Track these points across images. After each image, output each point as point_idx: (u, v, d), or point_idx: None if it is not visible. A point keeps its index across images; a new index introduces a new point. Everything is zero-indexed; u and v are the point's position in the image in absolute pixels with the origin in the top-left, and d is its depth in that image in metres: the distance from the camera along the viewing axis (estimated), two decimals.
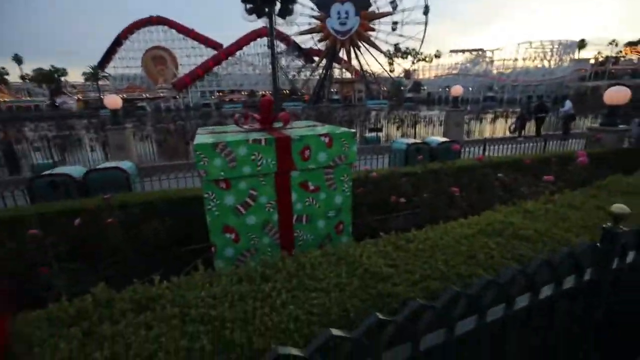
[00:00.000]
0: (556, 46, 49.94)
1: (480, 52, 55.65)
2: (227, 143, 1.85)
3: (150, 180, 4.29)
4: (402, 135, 13.82)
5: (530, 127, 13.55)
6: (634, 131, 7.65)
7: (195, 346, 1.00)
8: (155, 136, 11.43)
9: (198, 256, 2.92)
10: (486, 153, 6.73)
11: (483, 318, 0.86)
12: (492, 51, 54.96)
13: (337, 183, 2.21)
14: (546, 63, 50.21)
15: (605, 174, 3.25)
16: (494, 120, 16.86)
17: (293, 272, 1.35)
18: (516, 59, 52.68)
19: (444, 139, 5.57)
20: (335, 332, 0.66)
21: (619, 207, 1.02)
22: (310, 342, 1.03)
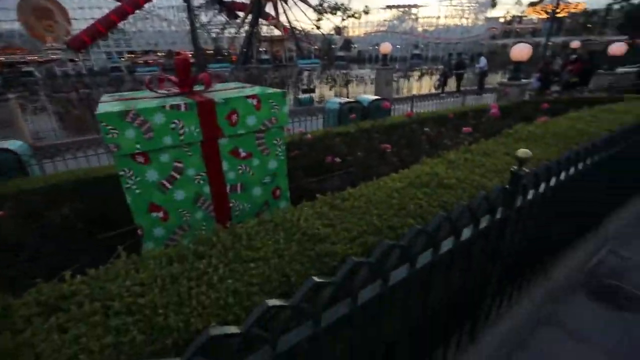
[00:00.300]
0: (473, 4, 53.23)
1: (407, 9, 56.73)
2: (139, 111, 1.61)
3: (52, 162, 3.66)
4: (335, 95, 13.87)
5: (452, 84, 14.62)
6: (534, 85, 8.71)
7: (123, 340, 0.91)
8: (53, 108, 9.69)
9: (125, 242, 2.66)
10: (414, 110, 7.12)
11: (414, 266, 0.91)
12: (417, 7, 56.46)
13: (270, 147, 2.12)
14: (464, 21, 53.55)
15: (511, 123, 3.67)
16: (420, 77, 17.78)
17: (229, 245, 1.28)
18: (438, 17, 55.13)
19: (375, 97, 5.70)
20: (272, 302, 0.63)
21: (523, 152, 1.14)
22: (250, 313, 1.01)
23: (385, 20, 57.58)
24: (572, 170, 1.51)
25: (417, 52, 44.88)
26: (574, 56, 11.08)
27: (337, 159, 3.02)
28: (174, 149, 1.79)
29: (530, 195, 1.30)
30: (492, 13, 55.40)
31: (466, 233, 1.08)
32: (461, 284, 1.24)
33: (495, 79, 15.62)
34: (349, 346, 0.85)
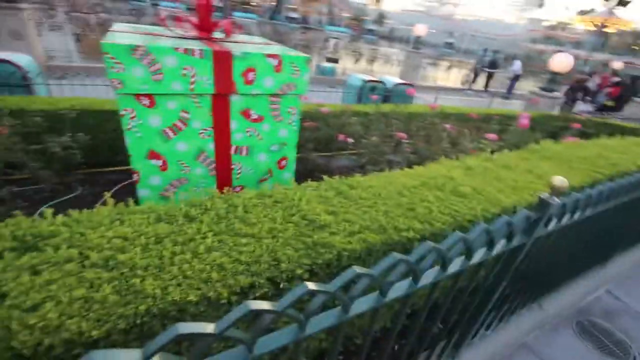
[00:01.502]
0: (519, 1, 50.24)
1: None
2: (150, 49, 1.47)
3: (60, 84, 3.51)
4: (359, 71, 13.37)
5: (480, 82, 14.03)
6: (563, 98, 8.31)
7: (95, 296, 0.85)
8: (70, 27, 9.32)
9: (122, 181, 2.60)
10: (437, 101, 6.84)
11: (416, 283, 0.83)
12: None
13: (283, 115, 1.99)
14: (506, 17, 50.73)
15: (536, 136, 3.49)
16: (448, 68, 17.06)
17: (222, 213, 1.20)
18: (482, 7, 52.07)
19: (400, 81, 5.44)
20: (255, 305, 0.55)
21: (560, 180, 1.02)
22: (234, 295, 0.95)
23: (424, 3, 54.64)
24: (599, 207, 1.40)
25: (450, 40, 42.92)
26: (617, 79, 10.50)
27: (350, 139, 2.89)
28: (183, 97, 1.67)
29: (551, 226, 1.20)
30: (536, 14, 52.31)
31: (477, 255, 0.99)
32: (460, 302, 1.17)
33: (527, 85, 14.98)
34: (332, 348, 0.79)
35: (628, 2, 25.83)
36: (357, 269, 0.66)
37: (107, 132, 2.66)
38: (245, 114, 1.87)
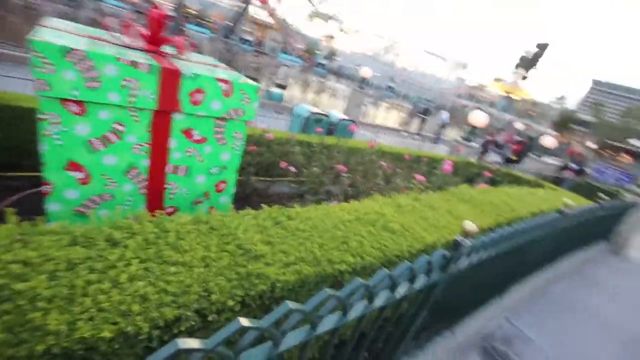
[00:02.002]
0: (450, 63, 58.46)
1: (393, 43, 59.71)
2: (89, 54, 1.38)
3: None
4: (306, 102, 13.85)
5: (414, 125, 15.54)
6: (480, 148, 9.60)
7: None
8: None
9: (31, 188, 2.26)
10: (376, 139, 7.37)
11: (345, 316, 0.87)
12: (400, 45, 59.86)
13: (227, 138, 1.97)
14: (439, 73, 58.15)
15: (457, 180, 3.96)
16: (388, 110, 18.60)
17: (152, 238, 1.13)
18: (418, 60, 58.99)
19: (344, 116, 5.77)
20: (184, 344, 0.53)
21: (470, 225, 1.19)
22: (156, 326, 0.88)
23: (371, 48, 60.01)
24: (500, 247, 1.64)
25: (392, 85, 47.22)
26: (519, 138, 12.54)
27: (292, 168, 2.95)
28: (119, 108, 1.56)
29: (463, 263, 1.37)
30: (461, 74, 60.78)
31: (402, 289, 1.07)
32: (384, 332, 1.24)
33: (452, 133, 17.00)
34: None
35: (526, 77, 31.84)
36: (291, 305, 0.68)
37: (22, 130, 2.33)
38: (188, 133, 1.81)
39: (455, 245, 1.22)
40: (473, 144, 8.43)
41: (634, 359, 2.90)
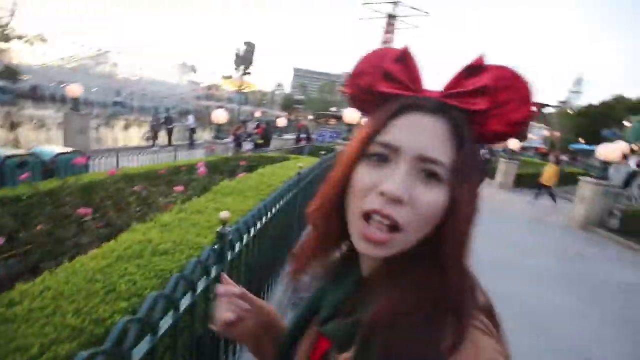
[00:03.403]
0: (176, 67, 57.86)
1: (103, 52, 51.73)
2: None
3: None
4: None
5: (164, 137, 14.62)
6: (231, 144, 10.44)
7: None
8: None
9: None
10: (121, 164, 6.41)
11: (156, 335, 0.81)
12: (117, 53, 53.14)
13: None
14: (170, 79, 56.50)
15: (219, 178, 4.17)
16: (126, 128, 16.42)
17: None
18: (141, 68, 54.55)
19: (64, 150, 4.62)
20: None
21: (224, 214, 1.33)
22: None
23: (72, 57, 49.52)
24: (264, 218, 1.94)
25: (119, 99, 41.54)
26: (257, 122, 14.56)
27: (1, 239, 2.11)
28: None
29: (237, 247, 1.52)
30: (193, 77, 62.10)
31: (185, 301, 1.08)
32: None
33: (204, 135, 17.37)
34: None
35: (249, 74, 36.88)
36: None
37: None
38: None
39: (220, 237, 1.33)
40: (226, 140, 9.05)
41: None
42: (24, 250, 2.29)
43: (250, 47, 37.55)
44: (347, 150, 0.47)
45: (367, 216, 0.41)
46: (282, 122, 16.42)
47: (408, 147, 0.41)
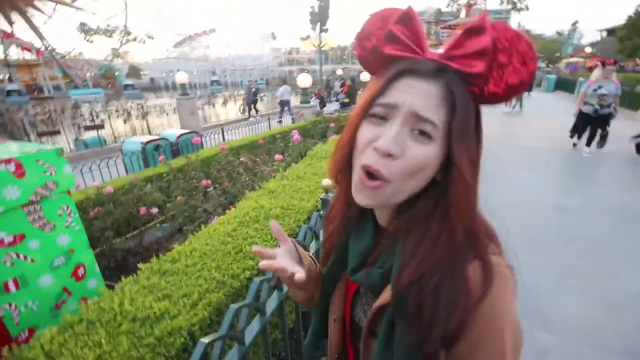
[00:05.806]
0: (257, 37, 60.16)
1: (194, 37, 56.95)
2: None
3: None
4: (134, 131, 12.22)
5: (260, 107, 15.71)
6: (316, 107, 10.58)
7: None
8: None
9: None
10: (226, 137, 7.21)
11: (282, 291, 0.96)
12: (207, 34, 57.83)
13: (54, 220, 1.64)
14: (253, 51, 59.21)
15: (312, 142, 4.33)
16: (224, 103, 18.16)
17: None
18: (228, 45, 58.46)
19: (183, 131, 5.41)
20: None
21: (325, 182, 1.39)
22: None
23: (173, 47, 55.96)
24: None
25: (215, 78, 45.70)
26: (343, 80, 14.26)
27: (154, 209, 2.67)
28: None
29: None
30: (274, 44, 63.65)
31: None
32: None
33: (294, 100, 18.01)
34: None
35: (326, 30, 35.74)
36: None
37: None
38: None
39: (323, 203, 1.41)
40: (312, 103, 9.21)
41: None
42: (170, 216, 2.85)
43: (324, 2, 36.03)
44: (354, 111, 0.51)
45: (366, 170, 0.46)
46: (366, 75, 15.76)
47: (402, 105, 0.44)
